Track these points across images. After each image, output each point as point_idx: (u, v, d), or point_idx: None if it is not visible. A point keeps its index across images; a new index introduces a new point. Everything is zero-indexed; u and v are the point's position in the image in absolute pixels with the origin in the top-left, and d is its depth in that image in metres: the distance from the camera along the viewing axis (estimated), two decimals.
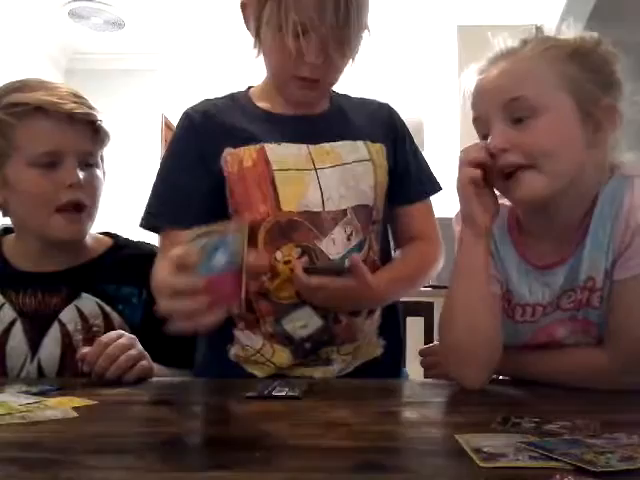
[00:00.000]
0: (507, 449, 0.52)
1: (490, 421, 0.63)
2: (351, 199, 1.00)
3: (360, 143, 1.04)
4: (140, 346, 0.93)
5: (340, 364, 1.01)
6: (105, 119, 1.07)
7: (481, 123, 0.85)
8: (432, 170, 1.13)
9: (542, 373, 0.87)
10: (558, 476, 0.46)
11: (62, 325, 1.02)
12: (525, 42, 0.85)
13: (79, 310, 1.03)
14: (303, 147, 1.01)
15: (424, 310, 1.42)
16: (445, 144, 3.95)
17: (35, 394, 0.79)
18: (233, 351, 1.01)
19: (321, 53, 0.94)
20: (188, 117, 1.05)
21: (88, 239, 1.10)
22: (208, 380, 0.98)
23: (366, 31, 1.00)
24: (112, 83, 4.49)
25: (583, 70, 0.81)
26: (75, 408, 0.72)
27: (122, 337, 0.91)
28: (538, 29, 0.87)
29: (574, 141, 0.81)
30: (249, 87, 1.12)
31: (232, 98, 1.09)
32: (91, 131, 1.03)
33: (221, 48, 4.18)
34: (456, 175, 0.86)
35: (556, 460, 0.49)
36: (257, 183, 0.98)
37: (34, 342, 1.01)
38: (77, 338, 1.02)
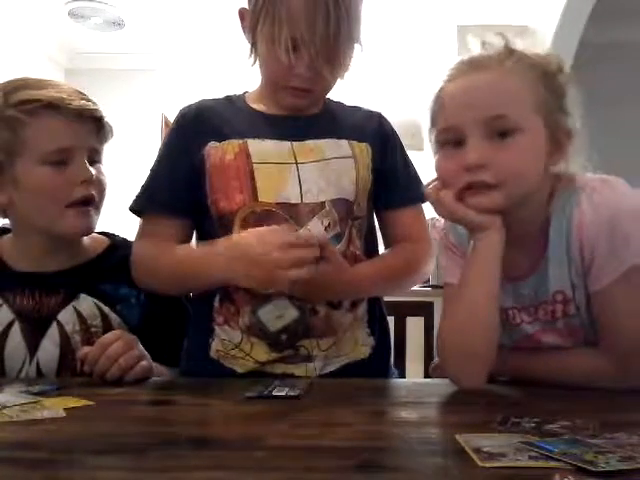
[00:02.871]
0: (507, 449, 0.52)
1: (490, 421, 0.63)
2: (330, 193, 1.01)
3: (344, 142, 1.06)
4: (140, 346, 0.94)
5: (322, 360, 1.00)
6: (106, 116, 1.09)
7: (452, 133, 0.84)
8: (421, 180, 1.12)
9: (543, 374, 0.87)
10: (558, 476, 0.46)
11: (60, 326, 1.01)
12: (494, 51, 0.84)
13: (77, 311, 1.03)
14: (286, 144, 1.03)
15: (424, 310, 1.42)
16: None
17: (35, 394, 0.79)
18: (214, 346, 1.02)
19: (311, 67, 0.97)
20: (181, 114, 1.09)
21: (85, 239, 1.10)
22: (208, 380, 0.98)
23: (358, 46, 1.02)
24: (112, 83, 4.48)
25: (551, 93, 0.82)
26: (75, 408, 0.72)
27: (122, 337, 0.92)
28: (503, 36, 0.86)
29: (540, 163, 0.83)
30: (246, 92, 1.14)
31: (228, 98, 1.13)
32: (97, 128, 1.04)
33: (220, 48, 4.18)
34: (435, 210, 0.88)
35: (556, 460, 0.49)
36: (236, 175, 1.00)
37: (32, 344, 1.00)
38: (76, 339, 1.01)
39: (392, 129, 1.14)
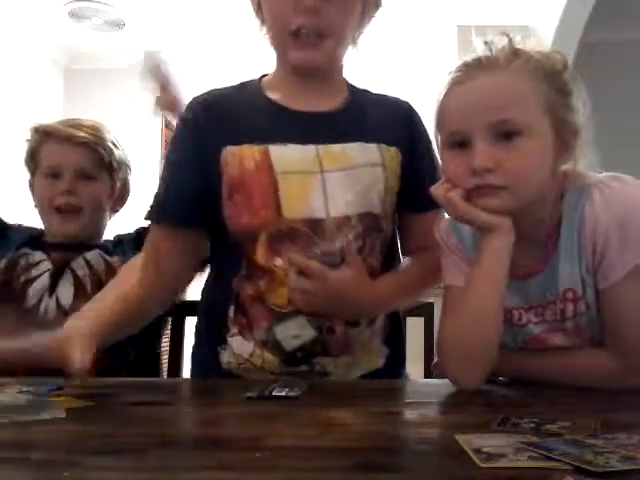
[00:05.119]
0: (507, 449, 0.52)
1: (490, 421, 0.63)
2: (357, 206, 0.97)
3: (373, 146, 1.00)
4: None
5: (338, 375, 0.99)
6: (112, 146, 1.34)
7: (460, 135, 0.83)
8: None
9: (545, 375, 0.87)
10: (558, 476, 0.46)
11: (73, 271, 1.26)
12: (500, 52, 0.83)
13: (86, 260, 1.28)
14: (311, 148, 0.97)
15: (424, 310, 1.42)
16: None
17: (35, 394, 0.79)
18: (225, 358, 1.00)
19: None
20: (190, 108, 1.03)
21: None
22: (208, 380, 0.98)
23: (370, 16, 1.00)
24: (112, 83, 4.48)
25: (557, 92, 0.82)
26: (75, 408, 0.72)
27: None
28: (507, 35, 0.85)
29: (547, 164, 0.82)
30: (263, 75, 1.08)
31: (242, 87, 1.06)
32: (88, 151, 1.29)
33: (221, 48, 4.18)
34: (445, 211, 0.87)
35: (556, 460, 0.49)
36: (259, 188, 0.95)
37: (52, 283, 1.25)
38: (86, 280, 1.26)
39: (421, 123, 1.09)
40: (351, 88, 1.09)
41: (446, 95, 0.86)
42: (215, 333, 1.01)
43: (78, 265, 1.28)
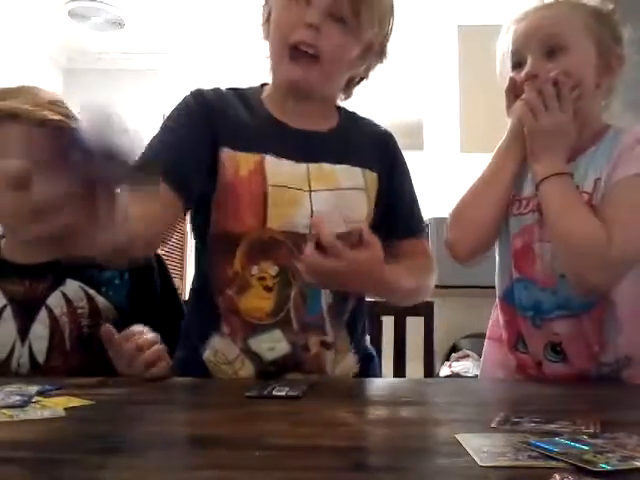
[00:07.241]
0: (507, 449, 0.52)
1: (490, 421, 0.63)
2: (341, 227, 0.96)
3: (358, 170, 1.04)
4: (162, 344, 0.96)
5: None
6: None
7: (516, 55, 1.03)
8: (422, 216, 1.13)
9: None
10: (558, 476, 0.46)
11: (49, 310, 1.06)
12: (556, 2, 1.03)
13: (64, 295, 1.07)
14: (302, 166, 1.00)
15: (424, 310, 1.42)
16: (445, 144, 3.95)
17: (35, 394, 0.79)
18: (207, 354, 1.00)
19: (321, 18, 0.96)
20: (200, 93, 1.03)
21: None
22: (207, 380, 0.98)
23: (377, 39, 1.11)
24: (112, 83, 4.48)
25: (602, 26, 1.02)
26: (75, 408, 0.72)
27: (149, 332, 0.95)
28: None
29: (587, 80, 0.98)
30: (262, 85, 1.11)
31: (243, 96, 1.07)
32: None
33: (222, 48, 4.18)
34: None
35: (556, 460, 0.49)
36: (249, 195, 0.97)
37: (24, 326, 1.05)
38: (64, 320, 1.06)
39: (401, 153, 1.14)
40: (340, 111, 1.13)
41: (510, 31, 1.07)
42: (200, 331, 1.02)
43: (55, 301, 1.06)
